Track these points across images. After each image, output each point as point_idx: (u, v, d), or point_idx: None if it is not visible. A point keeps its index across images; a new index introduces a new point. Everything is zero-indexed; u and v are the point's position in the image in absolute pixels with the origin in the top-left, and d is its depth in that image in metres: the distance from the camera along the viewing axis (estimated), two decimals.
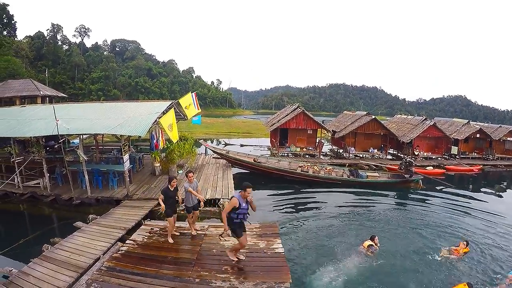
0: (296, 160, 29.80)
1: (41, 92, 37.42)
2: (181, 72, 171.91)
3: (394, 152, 38.59)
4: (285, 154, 34.28)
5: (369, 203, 21.40)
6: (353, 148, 35.36)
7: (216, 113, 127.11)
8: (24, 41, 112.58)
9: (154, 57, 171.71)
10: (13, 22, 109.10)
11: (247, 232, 11.17)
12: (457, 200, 22.49)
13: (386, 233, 15.03)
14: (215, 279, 9.22)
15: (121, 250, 11.01)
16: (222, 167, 25.39)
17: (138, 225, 13.67)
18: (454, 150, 37.42)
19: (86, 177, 17.02)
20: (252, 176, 26.06)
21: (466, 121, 40.82)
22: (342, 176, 25.58)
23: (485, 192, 26.32)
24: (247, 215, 9.51)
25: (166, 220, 11.87)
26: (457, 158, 36.64)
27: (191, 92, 24.65)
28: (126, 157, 17.56)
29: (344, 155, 35.51)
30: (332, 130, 37.79)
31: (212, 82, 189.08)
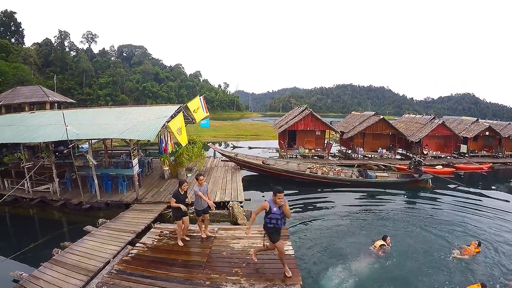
0: (305, 162, 29.71)
1: (50, 98, 37.78)
2: (188, 76, 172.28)
3: (403, 151, 38.47)
4: (294, 156, 34.21)
5: (378, 203, 21.34)
6: (361, 149, 35.16)
7: (223, 116, 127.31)
8: (32, 48, 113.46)
9: (161, 62, 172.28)
10: (20, 29, 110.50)
11: (257, 235, 11.16)
12: (468, 199, 22.30)
13: (396, 232, 14.94)
14: (226, 282, 9.20)
15: (131, 253, 11.03)
16: (231, 169, 25.38)
17: (147, 228, 13.69)
18: (463, 148, 37.24)
19: (96, 181, 17.10)
20: (261, 178, 26.10)
21: (474, 119, 40.40)
22: (351, 177, 25.46)
23: (495, 190, 26.11)
24: (282, 221, 9.14)
25: (176, 223, 11.82)
26: (467, 157, 36.35)
27: (199, 96, 24.68)
28: (135, 161, 17.61)
29: (353, 155, 35.40)
30: (340, 131, 37.70)
31: (219, 86, 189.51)
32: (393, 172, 28.07)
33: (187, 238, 12.05)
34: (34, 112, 24.63)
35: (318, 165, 26.84)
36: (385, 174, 26.52)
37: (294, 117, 35.61)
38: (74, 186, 18.85)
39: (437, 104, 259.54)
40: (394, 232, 14.64)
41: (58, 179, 18.07)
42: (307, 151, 34.45)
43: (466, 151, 37.12)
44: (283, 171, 25.28)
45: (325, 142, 35.83)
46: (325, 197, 21.92)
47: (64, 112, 19.17)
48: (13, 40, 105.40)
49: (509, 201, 22.74)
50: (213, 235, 12.52)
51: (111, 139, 22.18)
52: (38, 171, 18.33)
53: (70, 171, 19.52)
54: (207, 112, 25.18)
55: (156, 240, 12.23)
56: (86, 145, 23.04)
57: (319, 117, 34.95)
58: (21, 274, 9.80)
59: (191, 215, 12.51)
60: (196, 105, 23.24)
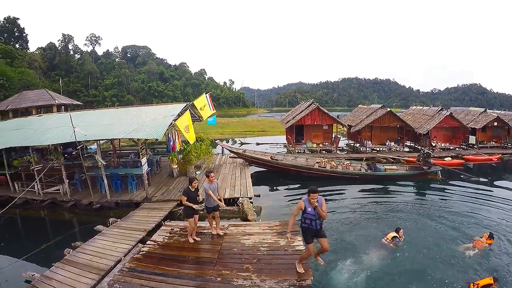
0: (313, 156, 29.65)
1: (56, 101, 37.91)
2: (193, 74, 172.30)
3: (411, 144, 38.36)
4: (302, 151, 34.22)
5: (388, 196, 21.27)
6: (369, 142, 35.03)
7: (230, 113, 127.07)
8: (37, 52, 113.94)
9: (165, 61, 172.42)
10: (24, 35, 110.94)
11: (267, 230, 11.13)
12: (478, 190, 22.14)
13: (407, 225, 14.82)
14: (237, 278, 9.21)
15: (142, 251, 11.09)
16: (239, 166, 25.41)
17: (158, 226, 13.76)
18: (472, 139, 36.77)
19: (105, 181, 17.19)
20: (270, 174, 26.06)
21: (482, 109, 39.72)
22: (360, 170, 25.41)
23: (505, 181, 25.75)
24: (317, 222, 8.85)
25: (187, 221, 11.83)
26: (475, 148, 36.01)
27: (205, 93, 24.68)
28: (144, 160, 17.68)
29: (361, 149, 35.30)
30: (348, 125, 37.63)
31: (225, 83, 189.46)
32: (402, 164, 27.96)
33: (198, 239, 12.01)
34: (41, 115, 24.75)
35: (326, 159, 26.80)
36: (394, 167, 26.39)
37: (301, 112, 35.58)
38: (84, 187, 18.95)
39: (444, 95, 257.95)
40: (405, 225, 14.54)
41: (67, 180, 18.17)
42: (315, 145, 34.44)
43: (474, 142, 36.64)
44: (292, 166, 25.21)
45: (333, 136, 35.76)
46: (334, 191, 21.82)
47: (71, 114, 19.28)
48: (17, 45, 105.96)
49: None
50: (224, 232, 12.52)
51: (119, 139, 22.23)
52: (47, 173, 18.45)
53: (80, 172, 19.66)
54: (213, 110, 25.15)
55: (166, 238, 12.27)
56: (94, 146, 23.13)
57: (326, 111, 34.89)
58: (33, 275, 9.88)
59: (201, 212, 12.49)
60: (203, 102, 23.22)
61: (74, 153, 23.39)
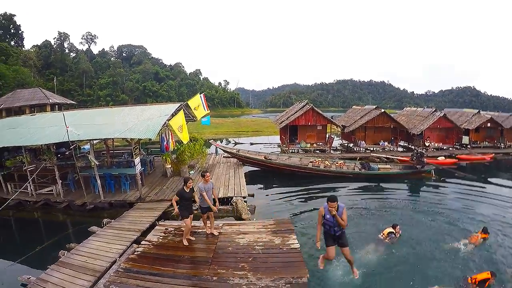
0: (307, 156, 29.72)
1: (50, 100, 37.76)
2: (188, 74, 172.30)
3: (405, 144, 38.57)
4: (296, 151, 34.24)
5: (382, 194, 21.42)
6: (363, 142, 35.16)
7: (224, 113, 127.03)
8: (32, 50, 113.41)
9: (160, 61, 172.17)
10: (20, 32, 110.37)
11: (261, 229, 11.15)
12: (471, 188, 22.40)
13: (402, 222, 14.76)
14: (233, 277, 9.20)
15: (137, 251, 11.05)
16: (233, 165, 25.41)
17: (152, 226, 13.71)
18: (465, 140, 37.31)
19: (99, 181, 17.12)
20: (264, 173, 26.10)
21: (476, 111, 40.37)
22: (354, 169, 25.47)
23: (498, 180, 26.15)
24: (336, 228, 9.15)
25: (183, 221, 11.76)
26: (469, 148, 36.56)
27: (200, 94, 24.65)
28: (137, 160, 17.61)
29: (355, 149, 35.36)
30: (342, 125, 37.72)
31: (220, 83, 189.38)
32: (396, 164, 28.11)
33: (192, 238, 11.97)
34: (35, 115, 24.61)
35: (320, 159, 26.87)
36: (388, 166, 26.44)
37: (295, 113, 35.68)
38: (77, 187, 18.86)
39: (438, 97, 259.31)
40: (399, 221, 14.48)
41: (61, 181, 18.03)
42: (309, 145, 34.51)
43: (468, 142, 37.21)
44: (286, 166, 25.27)
45: (327, 136, 35.81)
46: (328, 190, 21.81)
47: (64, 113, 19.17)
48: (12, 42, 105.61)
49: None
50: (218, 231, 12.52)
51: (113, 139, 22.17)
52: (40, 173, 18.36)
53: (73, 172, 19.56)
54: (207, 110, 25.14)
55: (161, 237, 12.25)
56: (87, 146, 23.03)
57: (320, 111, 34.99)
58: (29, 278, 9.80)
59: (195, 211, 12.48)
60: (197, 102, 23.21)
61: (67, 153, 23.28)
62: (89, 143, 18.91)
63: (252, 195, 18.77)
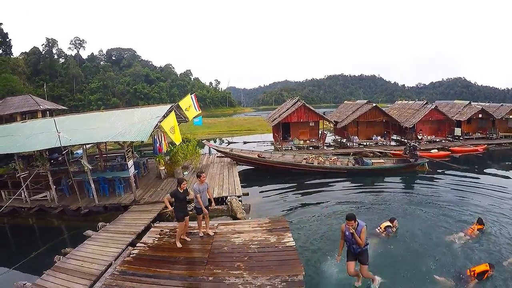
0: (300, 153, 29.72)
1: (41, 107, 37.53)
2: (178, 75, 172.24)
3: (398, 138, 38.74)
4: (289, 148, 34.28)
5: (376, 189, 21.50)
6: (356, 137, 35.32)
7: (216, 113, 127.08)
8: (20, 57, 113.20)
9: (151, 63, 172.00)
10: (8, 40, 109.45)
11: (256, 228, 11.18)
12: (465, 179, 22.66)
13: (397, 216, 14.81)
14: (229, 276, 9.20)
15: (133, 254, 11.01)
16: (227, 165, 25.39)
17: (147, 228, 13.65)
18: (458, 131, 37.51)
19: (92, 185, 17.01)
20: (258, 172, 26.15)
21: (467, 102, 40.85)
22: (348, 165, 25.56)
23: (492, 170, 26.40)
24: (355, 246, 9.18)
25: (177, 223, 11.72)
26: (461, 139, 36.73)
27: (190, 94, 24.59)
28: (130, 163, 17.58)
29: (348, 144, 35.50)
30: (334, 121, 37.71)
31: (211, 83, 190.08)
32: (389, 158, 28.27)
33: (188, 239, 11.95)
34: (26, 122, 24.50)
35: (313, 156, 26.94)
36: (381, 161, 26.61)
37: (287, 110, 35.69)
38: (71, 192, 18.76)
39: (429, 89, 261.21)
40: (395, 216, 14.55)
41: (54, 187, 17.92)
42: (302, 142, 34.53)
43: (460, 134, 37.41)
44: (279, 163, 25.35)
45: (320, 132, 35.89)
46: (323, 186, 21.98)
47: (55, 119, 19.11)
48: (0, 51, 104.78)
49: (508, 177, 23.40)
50: (214, 231, 12.50)
51: (105, 143, 22.09)
52: (34, 179, 18.23)
53: (66, 177, 19.46)
54: (199, 110, 25.07)
55: (156, 239, 12.22)
56: (80, 151, 22.91)
57: (312, 108, 35.05)
58: (25, 284, 9.74)
59: (190, 212, 12.47)
60: (188, 103, 23.14)
61: (60, 158, 23.17)
62: (81, 148, 18.84)
63: (247, 194, 18.80)
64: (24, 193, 18.02)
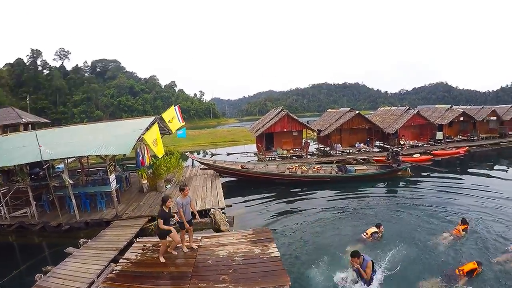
0: (284, 163, 29.77)
1: (23, 120, 37.00)
2: (163, 87, 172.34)
3: (381, 144, 38.95)
4: (272, 158, 34.22)
5: (360, 195, 21.63)
6: (339, 145, 35.47)
7: (200, 125, 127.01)
8: (4, 69, 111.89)
9: (135, 75, 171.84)
10: None
11: (241, 240, 11.18)
12: (448, 182, 23.12)
13: (383, 220, 15.04)
14: None
15: (115, 270, 10.81)
16: (210, 177, 25.21)
17: (130, 244, 13.46)
18: (439, 135, 38.25)
19: (74, 201, 16.73)
20: (241, 183, 26.11)
21: (449, 106, 41.67)
22: (331, 173, 25.63)
23: (473, 171, 27.06)
24: (362, 280, 9.78)
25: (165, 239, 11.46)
26: (443, 143, 37.53)
27: (174, 105, 24.46)
28: (112, 177, 17.32)
29: (331, 152, 35.51)
30: (317, 129, 37.85)
31: (195, 94, 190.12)
32: (372, 164, 28.52)
33: (175, 252, 11.79)
34: (7, 135, 24.13)
35: (297, 165, 26.96)
36: (364, 167, 26.77)
37: (271, 120, 35.62)
38: (52, 208, 18.42)
39: (411, 95, 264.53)
40: (380, 221, 14.66)
41: (35, 202, 17.59)
42: (285, 152, 34.50)
43: (442, 138, 38.14)
44: (263, 174, 25.29)
45: (303, 141, 35.93)
46: (307, 195, 22.08)
47: (37, 132, 18.86)
48: None
49: (490, 176, 24.25)
50: (197, 244, 12.39)
51: (87, 156, 21.85)
52: (14, 195, 17.96)
53: (47, 193, 19.14)
54: (183, 122, 24.93)
55: (139, 255, 12.03)
56: (62, 165, 22.61)
57: (295, 117, 35.04)
58: None
59: (173, 226, 12.34)
60: (171, 115, 23.00)
61: (41, 173, 22.83)
62: (63, 162, 18.58)
63: (230, 206, 18.78)
64: (4, 209, 17.65)
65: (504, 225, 14.50)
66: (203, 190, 21.32)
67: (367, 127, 35.99)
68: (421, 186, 22.96)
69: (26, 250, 16.08)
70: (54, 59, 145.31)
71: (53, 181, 19.81)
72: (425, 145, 37.19)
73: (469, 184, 22.28)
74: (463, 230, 13.32)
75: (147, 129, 18.99)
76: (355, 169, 25.76)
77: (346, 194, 21.75)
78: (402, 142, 35.67)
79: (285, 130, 34.23)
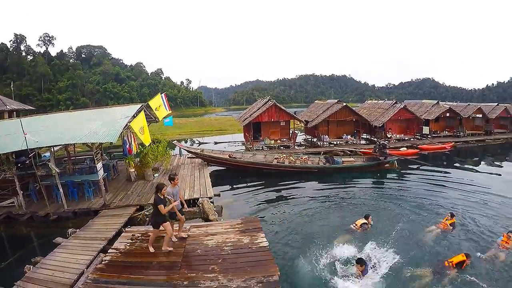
0: (271, 153, 29.80)
1: (8, 107, 36.38)
2: (149, 74, 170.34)
3: (367, 136, 39.22)
4: (260, 148, 34.41)
5: (347, 187, 21.89)
6: (326, 136, 35.74)
7: (187, 113, 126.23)
8: None
9: (121, 61, 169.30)
10: None
11: (229, 229, 11.23)
12: (434, 176, 23.41)
13: (370, 212, 15.11)
14: (204, 280, 9.13)
15: (105, 261, 10.76)
16: (198, 166, 25.20)
17: (118, 233, 13.39)
18: (426, 130, 38.78)
19: (61, 190, 16.51)
20: (229, 172, 26.18)
21: (435, 101, 42.22)
22: (318, 164, 25.82)
23: (459, 166, 27.44)
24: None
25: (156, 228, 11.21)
26: (429, 138, 37.89)
27: (160, 93, 24.25)
28: (99, 165, 17.11)
29: (319, 143, 35.78)
30: (305, 120, 38.01)
31: (182, 82, 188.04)
32: (359, 156, 28.73)
33: (171, 249, 11.44)
34: None
35: (284, 155, 27.10)
36: (352, 159, 26.97)
37: (258, 109, 35.66)
38: (39, 198, 18.13)
39: (398, 89, 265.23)
40: (368, 212, 14.81)
41: (22, 192, 17.29)
42: (273, 142, 34.68)
43: (428, 133, 38.62)
44: (250, 164, 25.38)
45: (290, 132, 36.06)
46: (294, 185, 22.24)
47: (22, 120, 18.52)
48: None
49: (474, 171, 24.70)
50: (186, 234, 12.39)
51: (74, 144, 21.61)
52: (0, 185, 17.71)
53: (34, 182, 18.90)
54: (169, 110, 24.66)
55: (128, 244, 11.99)
56: (48, 154, 22.33)
57: (283, 107, 35.18)
58: None
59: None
60: (158, 103, 22.73)
61: (27, 162, 22.55)
62: (49, 151, 18.34)
63: (218, 195, 18.75)
64: None
65: (490, 219, 14.84)
66: (191, 179, 21.29)
67: (354, 120, 36.37)
68: (408, 178, 23.37)
69: (14, 241, 15.88)
70: (38, 44, 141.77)
71: (39, 170, 19.52)
72: (412, 139, 37.66)
73: (455, 178, 22.71)
74: (450, 224, 13.57)
75: (134, 116, 18.78)
76: (343, 161, 25.96)
77: (333, 185, 21.97)
78: (389, 135, 36.05)
79: (272, 120, 34.39)
